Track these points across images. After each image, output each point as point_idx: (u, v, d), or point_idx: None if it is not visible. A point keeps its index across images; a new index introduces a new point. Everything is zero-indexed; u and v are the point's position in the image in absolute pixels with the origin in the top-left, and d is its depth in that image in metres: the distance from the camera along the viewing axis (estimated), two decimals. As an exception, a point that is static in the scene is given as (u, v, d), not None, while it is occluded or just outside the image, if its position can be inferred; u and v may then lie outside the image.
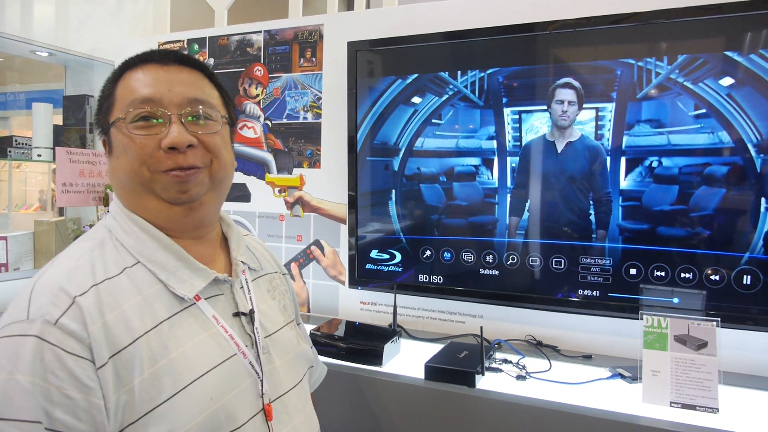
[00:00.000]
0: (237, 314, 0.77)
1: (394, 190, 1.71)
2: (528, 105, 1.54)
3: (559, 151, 1.53)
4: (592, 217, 1.48)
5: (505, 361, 1.43)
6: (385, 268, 1.72)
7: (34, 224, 2.16)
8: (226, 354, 0.73)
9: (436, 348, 1.48)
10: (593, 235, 1.47)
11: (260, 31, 1.97)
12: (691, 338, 1.24)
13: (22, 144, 2.03)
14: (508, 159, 1.57)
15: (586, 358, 1.50)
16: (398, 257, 1.70)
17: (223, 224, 0.88)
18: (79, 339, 0.62)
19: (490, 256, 1.58)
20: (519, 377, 1.32)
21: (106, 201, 2.10)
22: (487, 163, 1.59)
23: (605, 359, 1.49)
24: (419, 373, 1.32)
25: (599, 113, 1.47)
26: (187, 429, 0.65)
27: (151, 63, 0.76)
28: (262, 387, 0.76)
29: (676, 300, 1.40)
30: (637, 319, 1.28)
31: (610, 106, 1.45)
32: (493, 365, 1.39)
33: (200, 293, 0.74)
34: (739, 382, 1.33)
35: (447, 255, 1.63)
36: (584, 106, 1.47)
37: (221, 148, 0.77)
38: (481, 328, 1.27)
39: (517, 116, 1.55)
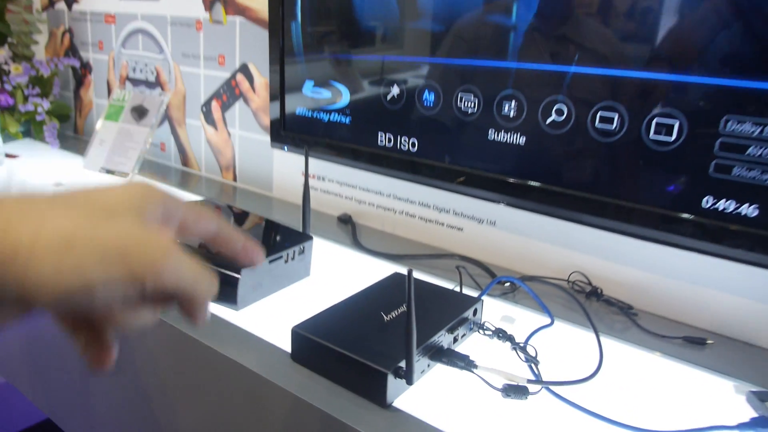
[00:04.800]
0: None
1: None
2: None
3: None
4: None
5: (501, 333, 0.64)
6: (326, 117, 0.93)
7: None
8: None
9: (389, 270, 0.72)
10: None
11: None
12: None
13: None
14: None
15: (696, 342, 0.68)
16: (345, 98, 0.90)
17: None
18: None
19: (509, 104, 0.73)
20: (508, 389, 0.55)
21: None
22: None
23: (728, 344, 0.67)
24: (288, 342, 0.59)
25: None
26: None
27: None
28: None
29: None
30: None
31: None
32: (460, 347, 0.62)
33: None
34: None
35: (431, 98, 0.80)
36: None
37: None
38: (409, 271, 0.48)
39: None
